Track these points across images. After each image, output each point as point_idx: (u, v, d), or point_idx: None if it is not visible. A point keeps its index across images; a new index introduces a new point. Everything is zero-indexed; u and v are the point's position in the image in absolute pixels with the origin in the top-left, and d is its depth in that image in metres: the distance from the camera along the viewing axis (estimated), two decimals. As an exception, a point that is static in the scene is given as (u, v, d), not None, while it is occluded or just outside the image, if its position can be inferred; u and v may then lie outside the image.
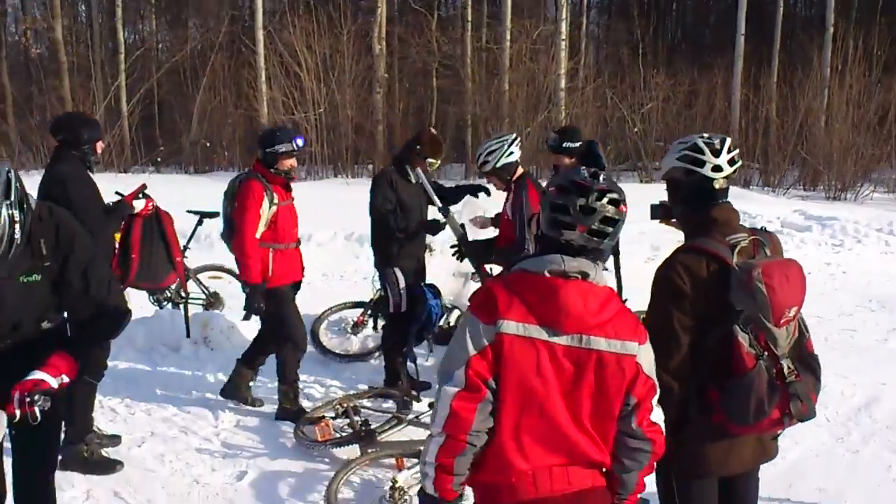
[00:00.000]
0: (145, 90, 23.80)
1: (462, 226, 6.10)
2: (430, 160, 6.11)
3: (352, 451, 5.14)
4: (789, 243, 12.92)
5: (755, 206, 14.88)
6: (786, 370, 2.94)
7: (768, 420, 2.93)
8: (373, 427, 5.22)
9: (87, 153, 5.09)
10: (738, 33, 22.84)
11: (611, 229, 2.52)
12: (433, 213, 6.16)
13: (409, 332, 6.19)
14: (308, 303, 8.62)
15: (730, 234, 3.04)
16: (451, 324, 7.25)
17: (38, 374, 3.10)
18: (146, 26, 28.14)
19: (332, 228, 12.39)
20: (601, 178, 2.54)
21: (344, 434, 5.23)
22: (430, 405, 5.65)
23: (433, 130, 6.70)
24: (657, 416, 2.60)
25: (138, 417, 5.94)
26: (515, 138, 5.59)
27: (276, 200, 5.73)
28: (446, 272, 7.56)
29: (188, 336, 7.13)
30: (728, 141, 3.10)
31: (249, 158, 22.99)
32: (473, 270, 7.31)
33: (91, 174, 5.16)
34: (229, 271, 8.13)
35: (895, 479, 5.29)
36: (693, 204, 3.11)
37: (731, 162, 3.07)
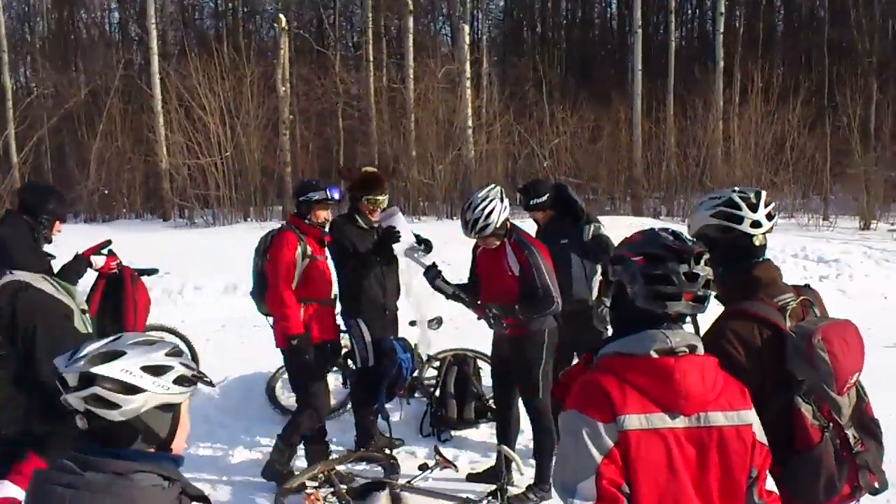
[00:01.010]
0: (37, 138, 22.72)
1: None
2: (372, 198, 5.92)
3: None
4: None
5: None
6: (851, 440, 2.78)
7: (839, 497, 2.76)
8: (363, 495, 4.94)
9: (43, 224, 4.60)
10: (635, 69, 23.43)
11: (711, 293, 2.37)
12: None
13: (378, 388, 5.92)
14: (252, 357, 8.31)
15: (776, 295, 2.88)
16: (430, 377, 7.03)
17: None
18: (33, 72, 26.97)
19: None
20: (682, 238, 2.39)
21: (332, 505, 4.92)
22: (421, 468, 5.45)
23: (369, 169, 6.48)
24: (770, 483, 2.45)
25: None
26: (500, 191, 5.21)
27: (309, 253, 5.55)
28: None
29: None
30: (763, 194, 2.95)
31: (148, 204, 22.43)
32: (431, 318, 7.13)
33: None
34: (175, 332, 7.67)
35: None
36: (732, 264, 2.91)
37: (769, 216, 2.92)
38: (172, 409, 2.11)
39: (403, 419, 6.60)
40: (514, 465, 5.19)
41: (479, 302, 5.29)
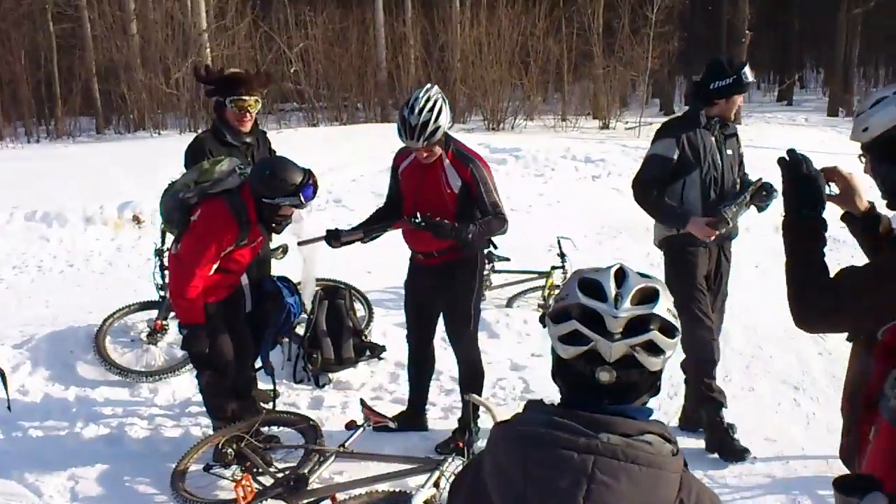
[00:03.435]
0: None
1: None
2: (237, 101, 4.91)
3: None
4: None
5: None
6: None
7: None
8: (298, 469, 4.08)
9: None
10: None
11: None
12: None
13: (262, 339, 4.98)
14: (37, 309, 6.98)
15: None
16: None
17: None
18: None
19: (5, 208, 10.12)
20: None
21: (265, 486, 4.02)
22: (348, 426, 4.65)
23: (234, 69, 5.39)
24: None
25: None
26: (438, 90, 4.43)
27: (244, 241, 4.41)
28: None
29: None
30: None
31: None
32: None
33: None
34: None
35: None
36: None
37: None
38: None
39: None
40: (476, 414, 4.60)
41: (405, 217, 4.52)
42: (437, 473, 3.88)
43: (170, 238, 5.16)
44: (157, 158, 13.35)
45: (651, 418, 1.70)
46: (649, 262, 9.17)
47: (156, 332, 5.96)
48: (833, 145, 19.26)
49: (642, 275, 1.76)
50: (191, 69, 18.69)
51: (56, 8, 19.79)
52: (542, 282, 7.66)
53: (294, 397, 5.58)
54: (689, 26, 25.99)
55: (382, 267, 7.28)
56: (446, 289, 4.65)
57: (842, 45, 27.27)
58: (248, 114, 4.92)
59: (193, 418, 5.30)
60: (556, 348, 1.72)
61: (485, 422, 4.75)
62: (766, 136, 19.24)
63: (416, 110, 4.24)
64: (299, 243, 5.05)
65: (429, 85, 4.45)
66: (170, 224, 4.63)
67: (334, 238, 4.70)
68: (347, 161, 14.12)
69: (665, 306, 1.69)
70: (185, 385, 5.69)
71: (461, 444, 4.06)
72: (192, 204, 4.44)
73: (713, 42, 30.62)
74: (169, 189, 4.65)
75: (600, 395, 1.67)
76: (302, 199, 4.29)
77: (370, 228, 4.73)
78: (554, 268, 7.70)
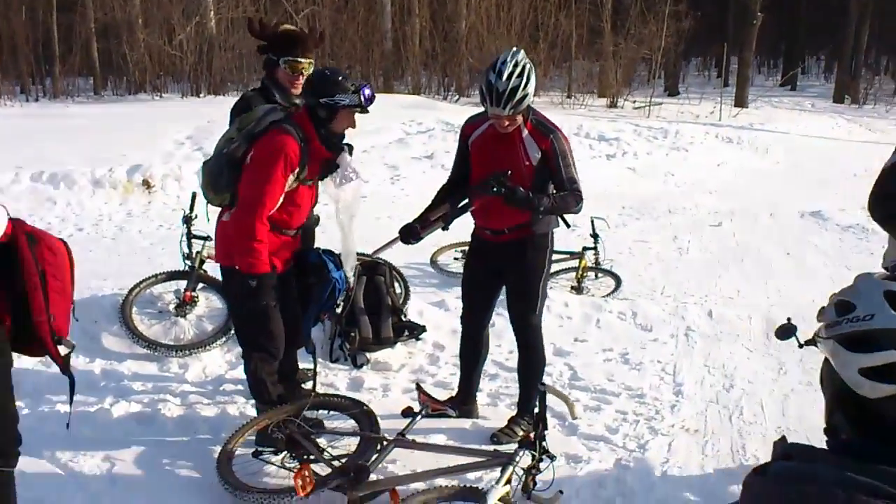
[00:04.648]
0: None
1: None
2: (292, 61, 4.58)
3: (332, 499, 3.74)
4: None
5: (450, 115, 14.56)
6: None
7: None
8: (358, 459, 3.81)
9: None
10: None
11: None
12: None
13: (306, 315, 4.69)
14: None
15: None
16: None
17: None
18: None
19: (9, 168, 9.77)
20: None
21: (323, 475, 3.74)
22: (405, 412, 4.39)
23: (287, 26, 5.06)
24: None
25: None
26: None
27: (303, 177, 4.11)
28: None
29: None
30: None
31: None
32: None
33: None
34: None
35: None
36: None
37: None
38: None
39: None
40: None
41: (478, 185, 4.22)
42: (510, 469, 3.63)
43: (200, 206, 4.85)
44: (161, 122, 13.03)
45: None
46: (677, 246, 8.96)
47: (185, 304, 5.65)
48: (842, 132, 19.14)
49: None
50: (200, 32, 18.29)
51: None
52: (574, 263, 7.42)
53: (332, 377, 5.30)
54: (697, 5, 25.66)
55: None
56: (514, 268, 4.37)
57: (851, 31, 27.00)
58: (301, 75, 4.60)
59: (229, 396, 5.02)
60: (854, 382, 1.35)
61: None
62: (776, 121, 19.07)
63: (505, 75, 3.94)
64: (374, 252, 4.74)
65: (514, 49, 4.15)
66: (217, 191, 4.26)
67: (412, 236, 4.45)
68: (355, 132, 13.82)
69: None
70: (217, 360, 5.41)
71: (531, 437, 3.82)
72: (239, 155, 4.15)
73: (720, 22, 30.37)
74: (208, 160, 4.36)
75: (866, 434, 1.33)
76: (362, 97, 4.04)
77: (448, 214, 4.41)
78: (585, 248, 7.46)
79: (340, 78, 4.07)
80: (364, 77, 20.39)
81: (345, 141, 4.32)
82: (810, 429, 4.63)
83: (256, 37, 4.75)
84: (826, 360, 1.41)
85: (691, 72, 36.03)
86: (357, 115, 4.19)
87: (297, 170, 4.03)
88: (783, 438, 1.39)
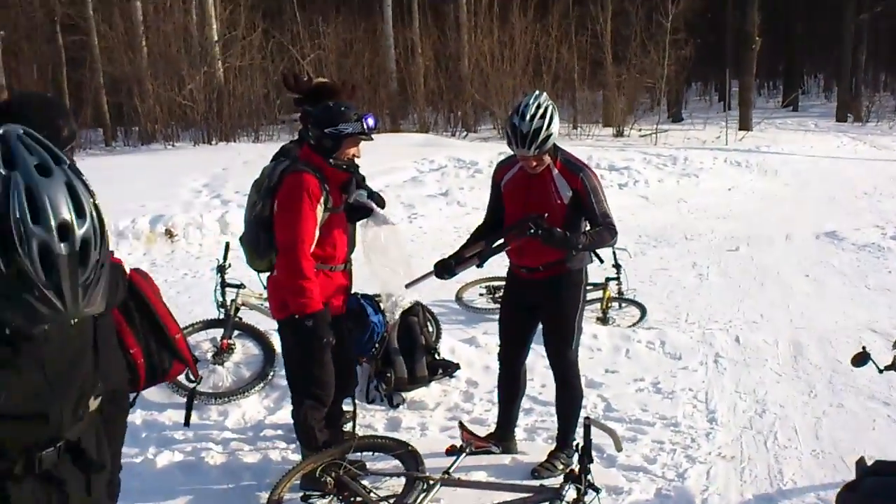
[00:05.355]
0: None
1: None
2: None
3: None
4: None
5: (460, 152, 14.72)
6: None
7: None
8: (403, 499, 3.88)
9: None
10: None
11: None
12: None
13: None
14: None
15: None
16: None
17: None
18: None
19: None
20: None
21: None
22: (449, 451, 4.45)
23: (321, 79, 5.17)
24: None
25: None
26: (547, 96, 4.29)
27: (331, 205, 4.16)
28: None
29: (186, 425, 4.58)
30: None
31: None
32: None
33: None
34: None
35: None
36: None
37: None
38: None
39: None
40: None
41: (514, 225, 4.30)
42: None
43: (232, 255, 4.93)
44: (177, 171, 13.20)
45: None
46: (697, 272, 9.04)
47: (222, 352, 5.75)
48: (847, 150, 19.26)
49: None
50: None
51: (67, 19, 19.61)
52: (598, 293, 7.49)
53: (370, 419, 5.38)
54: (696, 33, 25.93)
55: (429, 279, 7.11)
56: (549, 305, 4.46)
57: (849, 50, 27.25)
58: None
59: (270, 441, 5.10)
60: None
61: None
62: (781, 142, 19.20)
63: (528, 117, 4.08)
64: (407, 285, 4.82)
65: (537, 91, 4.28)
66: (261, 255, 4.37)
67: (447, 271, 4.52)
68: (369, 172, 13.97)
69: None
70: (256, 406, 5.50)
71: (576, 471, 3.88)
72: (267, 214, 4.27)
73: (719, 48, 30.65)
74: (242, 235, 4.51)
75: None
76: (365, 125, 4.13)
77: (484, 251, 4.50)
78: (609, 279, 7.54)
79: (343, 108, 4.17)
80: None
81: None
82: (845, 452, 4.70)
83: (292, 91, 4.88)
84: None
85: (692, 96, 36.34)
86: (363, 144, 4.27)
87: (322, 199, 4.12)
88: (861, 459, 1.47)
